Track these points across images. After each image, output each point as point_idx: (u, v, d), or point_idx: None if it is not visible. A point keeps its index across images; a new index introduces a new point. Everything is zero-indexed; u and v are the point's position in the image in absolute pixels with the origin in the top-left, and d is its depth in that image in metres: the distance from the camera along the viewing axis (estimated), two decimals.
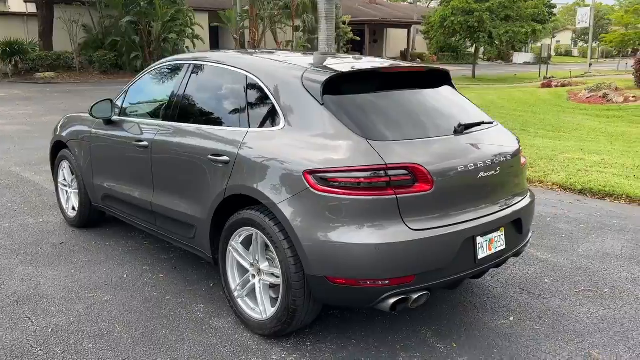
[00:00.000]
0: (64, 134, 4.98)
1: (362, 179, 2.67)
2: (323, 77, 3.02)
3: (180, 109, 3.78)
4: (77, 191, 4.92)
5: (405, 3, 64.88)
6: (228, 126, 3.42)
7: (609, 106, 14.71)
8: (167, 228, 3.88)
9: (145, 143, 3.89)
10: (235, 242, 3.24)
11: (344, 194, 2.69)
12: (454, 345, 3.09)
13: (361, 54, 39.15)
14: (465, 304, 3.59)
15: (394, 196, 2.67)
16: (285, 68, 3.32)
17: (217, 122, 3.54)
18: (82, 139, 4.71)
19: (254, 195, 3.00)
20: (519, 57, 53.54)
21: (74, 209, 5.10)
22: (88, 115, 4.86)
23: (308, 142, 2.91)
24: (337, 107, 2.96)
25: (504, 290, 3.80)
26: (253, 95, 3.30)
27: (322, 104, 2.96)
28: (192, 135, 3.56)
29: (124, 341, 3.13)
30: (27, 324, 3.32)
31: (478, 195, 3.03)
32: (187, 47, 28.96)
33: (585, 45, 66.14)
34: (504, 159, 3.16)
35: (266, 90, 3.21)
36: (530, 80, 25.59)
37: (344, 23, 35.97)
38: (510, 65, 46.78)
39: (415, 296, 2.76)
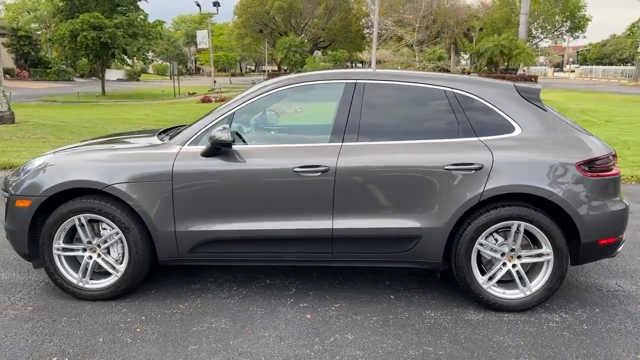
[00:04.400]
0: (95, 177, 3.68)
1: (612, 162, 3.67)
2: (537, 89, 3.80)
3: (366, 128, 3.71)
4: (125, 250, 3.76)
5: None
6: (448, 138, 3.68)
7: None
8: (356, 251, 3.73)
9: (323, 167, 3.61)
10: (482, 239, 3.64)
11: (604, 175, 3.63)
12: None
13: None
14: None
15: (619, 173, 3.78)
16: (494, 84, 3.86)
17: (432, 135, 3.70)
18: (154, 178, 3.69)
19: (528, 191, 3.53)
20: (112, 74, 53.94)
21: (95, 277, 3.86)
22: (142, 147, 3.92)
23: (557, 141, 3.66)
24: (549, 111, 3.80)
25: None
26: (471, 108, 3.71)
27: (546, 110, 3.76)
28: (407, 151, 3.64)
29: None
30: None
31: None
32: None
33: (164, 64, 71.50)
34: None
35: (486, 103, 3.72)
36: (181, 96, 26.86)
37: None
38: (125, 82, 46.79)
39: (623, 243, 3.93)
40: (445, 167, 3.57)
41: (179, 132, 4.14)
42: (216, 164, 3.68)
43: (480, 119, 3.71)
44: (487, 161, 3.56)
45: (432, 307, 3.78)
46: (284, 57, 31.45)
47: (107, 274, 3.87)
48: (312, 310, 3.72)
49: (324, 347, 3.24)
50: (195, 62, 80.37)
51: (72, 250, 3.83)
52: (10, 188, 3.86)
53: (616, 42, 75.70)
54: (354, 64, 56.55)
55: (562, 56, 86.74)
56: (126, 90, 33.12)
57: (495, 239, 3.68)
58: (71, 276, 3.84)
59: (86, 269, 3.83)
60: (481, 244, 3.65)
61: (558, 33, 51.12)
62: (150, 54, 67.99)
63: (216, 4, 31.31)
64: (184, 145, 3.77)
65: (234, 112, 3.82)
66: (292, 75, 4.04)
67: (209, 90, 29.28)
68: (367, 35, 52.24)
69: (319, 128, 4.01)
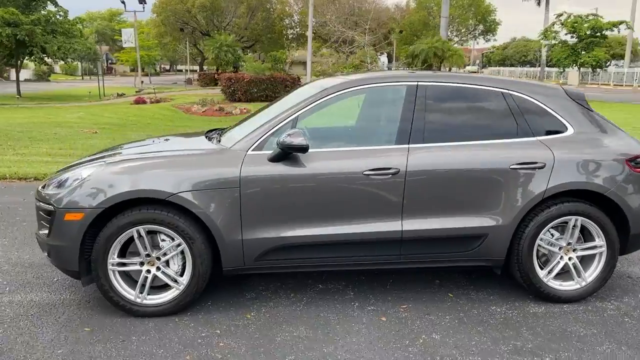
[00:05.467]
0: (158, 186, 3.47)
1: None
2: (582, 93, 4.04)
3: (430, 129, 3.76)
4: (188, 261, 3.59)
5: None
6: (509, 138, 3.81)
7: (233, 117, 17.19)
8: (422, 252, 3.78)
9: (394, 170, 3.63)
10: (543, 234, 3.81)
11: None
12: None
13: None
14: None
15: None
16: (545, 87, 4.04)
17: (494, 136, 3.80)
18: (221, 184, 3.53)
19: (592, 188, 3.74)
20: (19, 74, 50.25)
21: (151, 292, 3.64)
22: (205, 153, 3.77)
23: (603, 140, 3.90)
24: (594, 112, 4.05)
25: None
26: (527, 109, 3.87)
27: (592, 111, 4.00)
28: (473, 152, 3.74)
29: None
30: None
31: None
32: None
33: (74, 63, 67.39)
34: None
35: (540, 104, 3.90)
36: (109, 97, 25.52)
37: None
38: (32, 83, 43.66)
39: None
40: (511, 167, 3.71)
41: (224, 136, 4.02)
42: (284, 169, 3.59)
43: (536, 120, 3.88)
44: (549, 160, 3.73)
45: (494, 303, 3.90)
46: (215, 56, 30.82)
47: (162, 289, 3.66)
48: (382, 313, 3.72)
49: (419, 349, 3.26)
50: (107, 62, 76.70)
51: (129, 264, 3.59)
52: (53, 201, 3.55)
53: (516, 44, 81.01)
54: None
55: (469, 57, 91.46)
56: (43, 91, 31.06)
57: (552, 234, 3.86)
58: (127, 292, 3.60)
59: (144, 284, 3.60)
60: (541, 239, 3.81)
61: (472, 36, 53.93)
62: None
63: (142, 1, 30.05)
64: (248, 150, 3.64)
65: (297, 116, 3.74)
66: (352, 77, 4.01)
67: (136, 91, 28.07)
68: (290, 36, 52.42)
69: (379, 130, 4.00)
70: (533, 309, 3.80)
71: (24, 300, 3.85)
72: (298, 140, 3.47)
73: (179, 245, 3.57)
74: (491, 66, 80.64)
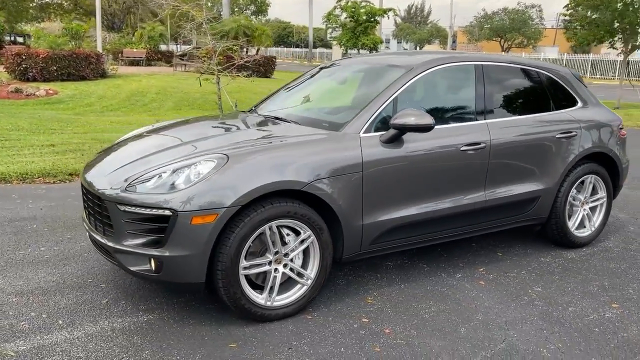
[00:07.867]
0: (294, 176, 3.16)
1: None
2: (578, 73, 4.85)
3: (496, 106, 4.14)
4: (315, 253, 3.38)
5: None
6: (549, 112, 4.41)
7: (40, 99, 14.85)
8: (494, 218, 4.15)
9: (483, 144, 3.92)
10: (571, 192, 4.54)
11: (624, 135, 4.90)
12: None
13: None
14: None
15: None
16: (559, 67, 4.68)
17: (539, 110, 4.36)
18: (347, 170, 3.37)
19: (603, 150, 4.56)
20: None
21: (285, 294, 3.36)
22: (322, 138, 3.59)
23: (600, 111, 4.77)
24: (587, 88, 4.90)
25: None
26: (554, 86, 4.52)
27: (586, 87, 4.84)
28: (532, 124, 4.24)
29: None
30: None
31: None
32: None
33: None
34: None
35: (559, 81, 4.58)
36: None
37: None
38: None
39: None
40: (556, 136, 4.31)
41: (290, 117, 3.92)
42: (399, 150, 3.58)
43: (559, 96, 4.56)
44: (577, 129, 4.43)
45: (538, 255, 4.49)
46: None
47: (281, 287, 3.37)
48: (473, 278, 4.00)
49: (542, 302, 3.63)
50: None
51: (255, 266, 3.20)
52: (161, 202, 2.97)
53: (270, 25, 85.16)
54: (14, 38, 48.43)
55: None
56: None
57: (572, 191, 4.60)
58: (256, 296, 3.22)
59: (273, 285, 3.27)
60: (570, 196, 4.52)
61: (245, 15, 54.73)
62: None
63: None
64: (359, 133, 3.53)
65: (397, 97, 3.74)
66: (433, 56, 4.10)
67: None
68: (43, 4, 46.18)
69: (459, 107, 4.15)
70: (570, 255, 4.51)
71: (103, 330, 3.11)
72: (417, 120, 3.47)
73: (306, 238, 3.31)
74: None
